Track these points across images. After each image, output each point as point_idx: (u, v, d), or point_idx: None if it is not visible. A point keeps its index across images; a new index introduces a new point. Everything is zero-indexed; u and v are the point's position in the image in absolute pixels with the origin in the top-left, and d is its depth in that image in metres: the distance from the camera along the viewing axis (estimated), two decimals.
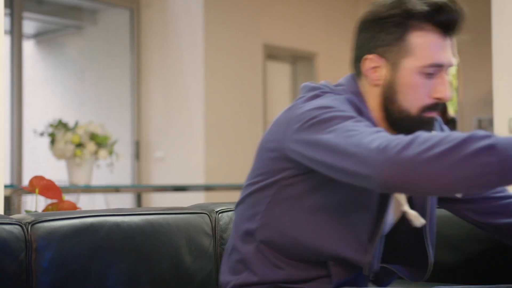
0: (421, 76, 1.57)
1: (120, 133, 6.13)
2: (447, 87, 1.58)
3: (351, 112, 1.50)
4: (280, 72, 7.51)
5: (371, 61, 1.62)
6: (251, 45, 6.75)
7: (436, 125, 1.74)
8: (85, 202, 5.66)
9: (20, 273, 1.55)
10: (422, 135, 1.30)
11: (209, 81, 6.28)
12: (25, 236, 1.57)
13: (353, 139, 1.36)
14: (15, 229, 1.56)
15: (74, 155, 4.90)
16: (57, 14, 7.28)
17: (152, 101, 6.56)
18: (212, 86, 6.30)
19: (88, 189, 4.96)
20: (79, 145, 4.91)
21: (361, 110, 1.57)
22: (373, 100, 1.64)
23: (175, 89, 6.48)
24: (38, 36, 7.68)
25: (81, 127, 4.96)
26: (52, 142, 4.99)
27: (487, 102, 4.55)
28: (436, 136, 1.28)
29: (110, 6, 6.88)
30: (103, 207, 5.28)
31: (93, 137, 4.91)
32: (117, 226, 1.75)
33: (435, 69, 1.57)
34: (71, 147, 4.88)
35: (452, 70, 1.81)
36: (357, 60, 1.66)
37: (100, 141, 4.95)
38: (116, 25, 6.87)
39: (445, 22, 1.57)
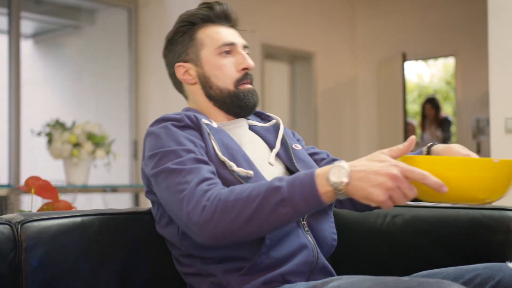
0: (220, 56, 1.87)
1: (118, 133, 6.13)
2: (247, 58, 1.89)
3: (173, 145, 1.65)
4: (278, 72, 7.51)
5: (180, 68, 1.91)
6: (249, 44, 6.74)
7: (288, 131, 2.02)
8: (82, 202, 5.66)
9: (10, 272, 1.55)
10: (229, 197, 1.48)
11: None
12: (14, 236, 1.58)
13: (176, 200, 1.55)
14: (5, 228, 1.57)
15: (71, 155, 4.90)
16: (55, 14, 7.28)
17: (150, 101, 6.55)
18: None
19: (85, 189, 4.97)
20: (76, 145, 4.91)
21: (197, 118, 1.74)
22: (199, 96, 1.91)
23: (173, 88, 6.46)
24: (36, 36, 7.67)
25: (78, 126, 4.96)
26: (49, 142, 4.99)
27: (486, 102, 4.55)
28: (241, 198, 1.47)
29: (108, 6, 6.87)
30: (101, 207, 5.27)
31: (90, 137, 4.92)
32: (107, 226, 1.75)
33: (228, 47, 1.88)
34: (68, 147, 4.88)
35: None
36: (173, 77, 1.96)
37: (97, 141, 4.95)
38: (114, 24, 6.87)
39: (217, 16, 1.92)
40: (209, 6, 1.92)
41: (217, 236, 1.49)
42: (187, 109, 1.90)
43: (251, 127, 1.96)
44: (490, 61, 4.07)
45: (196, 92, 1.92)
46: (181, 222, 1.55)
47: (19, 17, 6.04)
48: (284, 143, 1.93)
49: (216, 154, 1.68)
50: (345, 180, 1.38)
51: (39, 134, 5.06)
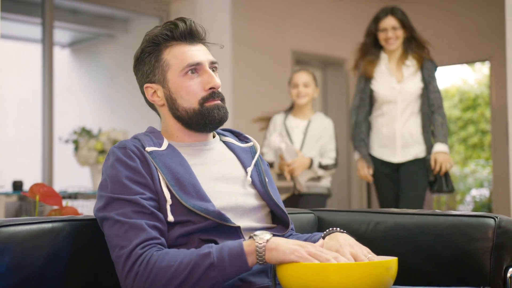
0: (186, 77, 1.86)
1: None
2: (213, 77, 1.88)
3: (119, 190, 1.74)
4: None
5: (148, 89, 1.91)
6: (279, 51, 6.77)
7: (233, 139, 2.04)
8: None
9: None
10: (162, 263, 1.62)
11: (236, 88, 6.32)
12: None
13: (116, 255, 1.67)
14: None
15: (97, 162, 5.00)
16: (90, 23, 7.43)
17: None
18: (240, 93, 6.33)
19: None
20: (102, 151, 5.00)
21: (140, 151, 1.81)
22: (167, 119, 1.92)
23: None
24: (72, 45, 7.84)
25: (104, 134, 5.06)
26: (76, 149, 5.09)
27: None
28: (173, 265, 1.61)
29: (140, 14, 6.98)
30: None
31: (115, 143, 5.00)
32: (77, 232, 1.80)
33: (193, 68, 1.87)
34: (94, 154, 4.97)
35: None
36: (146, 100, 1.95)
37: None
38: None
39: (180, 34, 1.88)
40: (173, 24, 1.89)
41: None
42: (150, 130, 1.95)
43: (227, 144, 2.01)
44: (507, 69, 4.10)
45: (165, 113, 1.92)
46: (119, 277, 1.67)
47: (52, 26, 6.18)
48: (257, 165, 1.97)
49: (162, 191, 1.76)
50: (267, 236, 1.61)
51: (66, 141, 5.16)
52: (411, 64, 4.33)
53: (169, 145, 1.87)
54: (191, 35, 1.90)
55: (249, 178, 1.91)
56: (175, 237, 1.73)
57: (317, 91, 4.63)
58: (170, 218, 1.73)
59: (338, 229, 1.79)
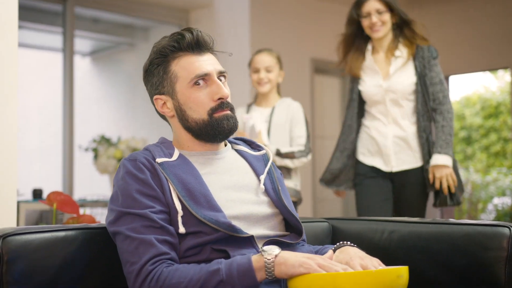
0: (194, 88, 1.87)
1: None
2: (222, 87, 1.87)
3: (130, 204, 1.76)
4: (329, 86, 7.48)
5: (158, 100, 1.93)
6: (298, 59, 6.77)
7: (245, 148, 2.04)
8: None
9: None
10: (172, 280, 1.63)
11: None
12: None
13: (127, 270, 1.69)
14: None
15: (116, 170, 5.02)
16: (110, 32, 7.48)
17: None
18: None
19: None
20: (121, 159, 5.02)
21: (151, 163, 1.82)
22: (178, 129, 1.94)
23: None
24: (93, 53, 7.91)
25: (123, 142, 5.09)
26: (96, 157, 5.12)
27: None
28: (182, 282, 1.63)
29: (161, 23, 7.02)
30: None
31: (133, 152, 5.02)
32: (90, 240, 1.81)
33: (202, 79, 1.87)
34: (113, 162, 5.00)
35: None
36: (156, 111, 1.97)
37: None
38: None
39: (188, 45, 1.88)
40: (180, 35, 1.89)
41: None
42: (161, 141, 1.97)
43: (239, 152, 2.01)
44: None
45: (175, 124, 1.94)
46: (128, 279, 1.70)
47: (73, 35, 6.23)
48: (270, 173, 1.97)
49: (173, 202, 1.77)
50: (276, 251, 1.62)
51: (86, 149, 5.20)
52: (400, 54, 3.65)
53: (180, 155, 1.88)
54: (198, 45, 1.90)
55: (262, 186, 1.91)
56: (187, 247, 1.74)
57: (282, 75, 3.97)
58: (182, 230, 1.74)
59: (349, 242, 1.80)
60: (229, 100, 1.91)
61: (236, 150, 2.02)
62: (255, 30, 6.39)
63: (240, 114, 3.89)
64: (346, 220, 2.40)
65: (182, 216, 1.75)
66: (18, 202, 4.48)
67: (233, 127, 1.89)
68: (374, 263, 1.67)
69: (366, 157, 3.68)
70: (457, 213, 10.40)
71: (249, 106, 4.04)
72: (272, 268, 1.61)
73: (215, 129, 1.87)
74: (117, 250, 1.74)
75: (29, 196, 4.98)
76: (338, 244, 1.80)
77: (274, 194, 1.92)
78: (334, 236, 2.34)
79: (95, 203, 4.70)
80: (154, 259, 1.67)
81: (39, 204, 4.37)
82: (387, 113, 3.63)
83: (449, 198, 3.52)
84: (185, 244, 1.75)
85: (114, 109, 7.74)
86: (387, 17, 3.60)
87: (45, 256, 1.71)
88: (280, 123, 3.86)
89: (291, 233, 1.93)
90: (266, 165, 1.99)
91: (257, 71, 3.89)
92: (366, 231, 2.21)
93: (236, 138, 2.09)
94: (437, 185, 3.46)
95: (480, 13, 7.56)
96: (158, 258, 1.67)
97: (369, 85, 3.67)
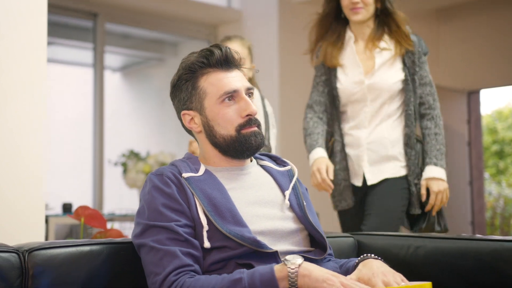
0: (223, 105, 1.88)
1: None
2: (250, 104, 1.89)
3: (155, 218, 1.77)
4: None
5: (186, 116, 1.94)
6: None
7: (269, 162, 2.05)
8: None
9: None
10: (197, 285, 1.65)
11: (284, 116, 6.31)
12: (21, 264, 1.67)
13: (151, 281, 1.71)
14: (12, 257, 1.66)
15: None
16: (140, 47, 7.56)
17: None
18: (288, 121, 6.31)
19: None
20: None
21: (177, 178, 1.83)
22: (205, 145, 1.95)
23: None
24: (124, 69, 7.99)
25: (152, 156, 5.12)
26: (125, 171, 5.16)
27: None
28: (209, 285, 1.64)
29: (189, 38, 7.08)
30: None
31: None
32: (115, 254, 1.82)
33: (230, 95, 1.88)
34: (141, 176, 5.03)
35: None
36: (183, 126, 1.99)
37: None
38: None
39: (216, 61, 1.89)
40: (209, 51, 1.91)
41: None
42: (188, 157, 1.98)
43: (265, 168, 2.02)
44: None
45: (202, 140, 1.95)
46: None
47: (103, 51, 6.30)
48: (295, 189, 1.98)
49: (199, 217, 1.78)
50: (299, 261, 1.62)
51: (115, 164, 5.24)
52: (386, 46, 3.09)
53: (206, 171, 1.89)
54: (227, 62, 1.92)
55: (287, 202, 1.91)
56: (212, 262, 1.75)
57: (253, 68, 3.51)
58: (207, 244, 1.75)
59: (373, 255, 1.79)
60: (256, 116, 1.92)
61: (261, 166, 2.03)
62: (284, 44, 6.40)
63: None
64: (372, 235, 2.38)
65: (207, 231, 1.76)
66: (48, 216, 4.53)
67: (261, 144, 1.91)
68: (397, 279, 1.66)
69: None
70: (489, 228, 10.28)
71: None
72: (295, 278, 1.61)
73: (243, 145, 1.88)
74: (142, 262, 1.75)
75: (59, 210, 5.03)
76: (362, 256, 1.80)
77: (299, 210, 1.92)
78: (360, 251, 2.32)
79: (123, 217, 4.73)
80: (178, 270, 1.68)
81: (69, 218, 4.41)
82: (365, 114, 3.06)
83: (436, 222, 3.03)
84: (210, 258, 1.75)
85: (144, 123, 7.80)
86: None
87: (70, 270, 1.73)
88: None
89: (316, 248, 1.93)
90: (291, 181, 1.99)
91: None
92: (392, 246, 2.19)
93: (261, 154, 2.10)
94: (432, 201, 2.94)
95: (506, 27, 7.50)
96: (182, 270, 1.69)
97: (346, 80, 3.10)
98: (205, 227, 1.76)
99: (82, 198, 6.01)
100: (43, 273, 1.68)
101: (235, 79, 1.91)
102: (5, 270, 1.63)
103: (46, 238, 4.39)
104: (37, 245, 1.72)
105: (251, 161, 2.01)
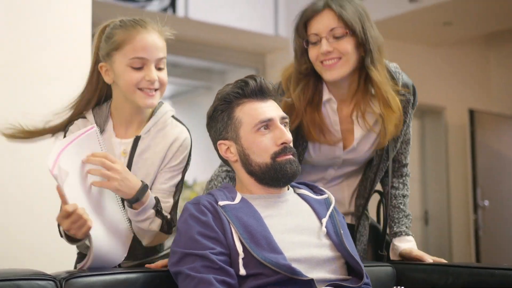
0: (258, 133, 1.92)
1: None
2: (285, 132, 1.92)
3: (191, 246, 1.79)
4: None
5: (222, 145, 1.99)
6: None
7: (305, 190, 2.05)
8: None
9: None
10: None
11: None
12: None
13: None
14: (49, 284, 1.70)
15: None
16: (189, 76, 7.64)
17: None
18: None
19: None
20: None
21: (214, 206, 1.85)
22: (241, 173, 1.98)
23: None
24: (173, 97, 8.09)
25: (198, 184, 5.15)
26: None
27: None
28: None
29: (237, 67, 7.13)
30: None
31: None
32: (151, 283, 1.85)
33: (265, 124, 1.92)
34: None
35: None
36: (219, 156, 2.03)
37: None
38: None
39: (251, 91, 1.94)
40: (244, 82, 1.96)
41: None
42: (225, 186, 2.02)
43: (302, 196, 2.03)
44: None
45: (238, 168, 1.99)
46: None
47: None
48: (332, 217, 1.98)
49: (235, 244, 1.79)
50: None
51: None
52: (372, 111, 2.35)
53: (242, 199, 1.92)
54: (262, 92, 1.96)
55: (324, 229, 1.92)
56: None
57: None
58: (242, 271, 1.76)
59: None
60: (291, 145, 1.94)
61: (298, 194, 2.04)
62: None
63: None
64: (410, 264, 2.36)
65: (243, 258, 1.78)
66: None
67: (296, 172, 1.92)
68: None
69: None
70: None
71: None
72: None
73: (278, 173, 1.91)
74: None
75: None
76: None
77: (336, 237, 1.92)
78: (399, 280, 2.30)
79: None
80: None
81: None
82: (329, 174, 2.48)
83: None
84: (246, 286, 1.77)
85: (193, 151, 7.85)
86: (348, 44, 2.23)
87: None
88: None
89: (353, 277, 1.92)
90: (328, 209, 1.99)
91: None
92: (430, 276, 2.17)
93: (299, 182, 2.11)
94: (437, 259, 2.30)
95: None
96: None
97: (321, 157, 2.43)
98: (241, 254, 1.77)
99: None
100: None
101: (270, 109, 1.95)
102: None
103: None
104: (74, 273, 1.76)
105: (288, 189, 2.02)
